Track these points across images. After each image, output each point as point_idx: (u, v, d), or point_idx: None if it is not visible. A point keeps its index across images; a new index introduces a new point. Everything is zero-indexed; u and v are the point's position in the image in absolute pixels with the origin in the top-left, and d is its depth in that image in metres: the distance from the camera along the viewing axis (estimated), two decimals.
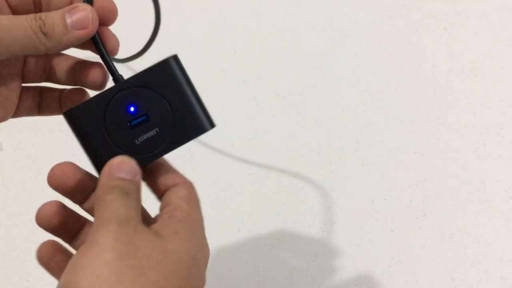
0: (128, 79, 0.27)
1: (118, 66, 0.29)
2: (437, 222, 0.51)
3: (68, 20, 0.25)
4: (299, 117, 0.58)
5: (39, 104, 0.30)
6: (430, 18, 0.63)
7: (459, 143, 0.55)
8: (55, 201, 0.29)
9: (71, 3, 0.26)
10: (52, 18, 0.25)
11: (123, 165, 0.25)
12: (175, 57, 0.29)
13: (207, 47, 0.64)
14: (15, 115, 0.29)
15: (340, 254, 0.50)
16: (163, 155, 0.27)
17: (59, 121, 0.58)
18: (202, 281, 0.26)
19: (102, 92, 0.26)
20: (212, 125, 0.28)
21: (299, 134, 0.57)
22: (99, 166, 0.26)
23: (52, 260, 0.29)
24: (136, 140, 0.26)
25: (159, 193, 0.28)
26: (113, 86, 0.26)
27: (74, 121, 0.26)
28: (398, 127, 0.56)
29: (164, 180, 0.27)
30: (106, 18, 0.27)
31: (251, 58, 0.63)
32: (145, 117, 0.26)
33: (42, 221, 0.29)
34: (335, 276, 0.49)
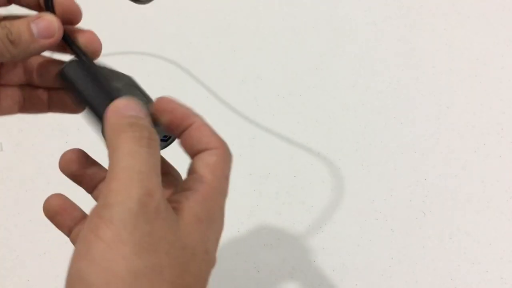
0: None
1: None
2: (437, 222, 0.51)
3: (34, 30, 0.25)
4: (299, 117, 0.58)
5: (20, 102, 0.28)
6: (430, 18, 0.63)
7: (459, 143, 0.55)
8: (77, 148, 0.28)
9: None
10: (18, 26, 0.25)
11: (130, 103, 0.23)
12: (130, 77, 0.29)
13: (207, 47, 0.64)
14: None
15: (340, 254, 0.50)
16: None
17: (59, 121, 0.58)
18: (210, 264, 0.24)
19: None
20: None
21: (299, 134, 0.57)
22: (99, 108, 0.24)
23: (60, 214, 0.28)
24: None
25: (190, 154, 0.25)
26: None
27: (71, 75, 0.26)
28: (398, 127, 0.56)
29: (197, 143, 0.24)
30: (71, 18, 0.27)
31: (251, 58, 0.63)
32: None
33: (64, 168, 0.28)
34: (335, 276, 0.49)
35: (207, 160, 0.24)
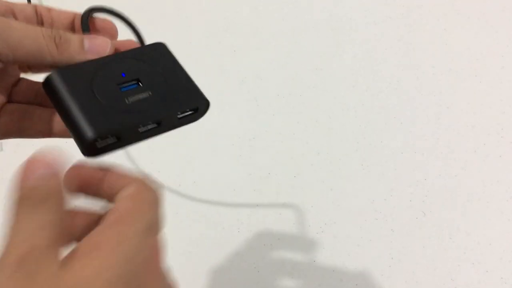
0: (121, 52, 0.26)
1: None
2: (437, 222, 0.51)
3: (86, 44, 0.24)
4: (299, 117, 0.58)
5: (20, 121, 0.27)
6: (430, 18, 0.63)
7: (459, 143, 0.55)
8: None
9: (73, 23, 0.26)
10: (70, 35, 0.24)
11: (36, 163, 0.20)
12: (163, 44, 0.28)
13: (207, 47, 0.64)
14: None
15: (340, 254, 0.50)
16: (156, 119, 0.24)
17: None
18: None
19: (89, 60, 0.24)
20: (205, 98, 0.26)
21: (299, 134, 0.57)
22: (82, 134, 0.22)
23: None
24: (126, 100, 0.23)
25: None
26: (105, 56, 0.25)
27: (52, 85, 0.23)
28: (398, 127, 0.56)
29: (114, 186, 0.22)
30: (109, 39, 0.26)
31: (251, 58, 0.63)
32: (136, 84, 0.24)
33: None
34: (335, 276, 0.49)
35: (124, 192, 0.22)
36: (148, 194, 0.22)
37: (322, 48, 0.62)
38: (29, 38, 0.22)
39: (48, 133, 0.27)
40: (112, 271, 0.18)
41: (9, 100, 0.27)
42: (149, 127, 0.24)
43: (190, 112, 0.26)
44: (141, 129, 0.24)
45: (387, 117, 0.57)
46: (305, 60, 0.62)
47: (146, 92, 0.24)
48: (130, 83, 0.24)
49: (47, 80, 0.23)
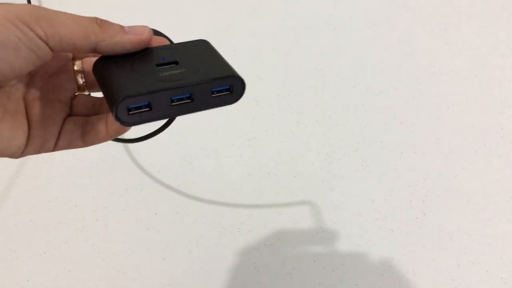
0: (166, 45, 0.28)
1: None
2: (437, 222, 0.51)
3: (126, 28, 0.26)
4: (299, 117, 0.58)
5: (83, 130, 0.29)
6: (430, 18, 0.63)
7: (459, 143, 0.55)
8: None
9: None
10: (109, 21, 0.26)
11: None
12: (206, 41, 0.30)
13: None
14: (57, 144, 0.29)
15: (340, 254, 0.50)
16: (187, 88, 0.25)
17: None
18: None
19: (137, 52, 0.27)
20: (237, 75, 0.26)
21: (299, 134, 0.57)
22: (116, 96, 0.24)
23: None
24: (160, 73, 0.25)
25: None
26: (150, 47, 0.27)
27: (100, 66, 0.26)
28: (398, 127, 0.56)
29: None
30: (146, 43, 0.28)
31: (251, 58, 0.63)
32: (173, 64, 0.26)
33: None
34: (335, 276, 0.49)
35: None
36: None
37: (322, 48, 0.62)
38: (74, 21, 0.24)
39: (105, 135, 0.29)
40: None
41: (70, 113, 0.29)
42: (182, 99, 0.25)
43: (224, 92, 0.26)
44: (174, 102, 0.25)
45: (387, 117, 0.57)
46: (305, 60, 0.62)
47: (181, 69, 0.25)
48: (167, 63, 0.26)
49: (96, 62, 0.26)
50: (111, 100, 0.24)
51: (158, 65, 0.26)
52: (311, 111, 0.58)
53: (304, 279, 0.49)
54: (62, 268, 0.51)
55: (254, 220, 0.52)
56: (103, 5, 0.69)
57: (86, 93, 0.30)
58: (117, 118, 0.24)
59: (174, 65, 0.26)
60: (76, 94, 0.30)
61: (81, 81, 0.30)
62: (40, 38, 0.23)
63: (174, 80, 0.24)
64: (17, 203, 0.55)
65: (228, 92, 0.27)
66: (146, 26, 0.27)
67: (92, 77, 0.28)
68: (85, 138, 0.29)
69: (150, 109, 0.24)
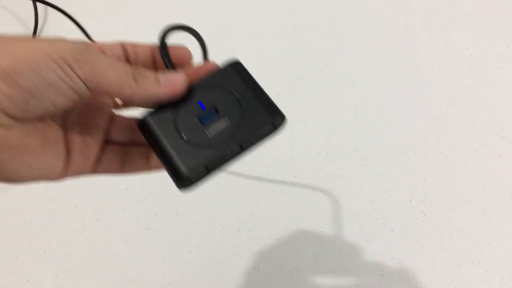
0: (196, 82, 0.28)
1: None
2: (437, 222, 0.51)
3: (161, 79, 0.27)
4: (299, 117, 0.58)
5: (122, 160, 0.30)
6: (430, 18, 0.63)
7: (459, 143, 0.55)
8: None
9: (152, 54, 0.29)
10: (146, 71, 0.27)
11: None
12: (238, 62, 0.29)
13: (207, 47, 0.64)
14: (95, 169, 0.29)
15: (340, 254, 0.50)
16: (236, 145, 0.26)
17: None
18: None
19: (175, 100, 0.27)
20: (282, 115, 0.27)
21: (299, 134, 0.57)
22: (175, 169, 0.26)
23: None
24: (207, 133, 0.26)
25: None
26: (185, 91, 0.27)
27: (150, 128, 0.27)
28: (398, 127, 0.56)
29: None
30: (183, 62, 0.29)
31: (251, 58, 0.63)
32: (215, 112, 0.27)
33: None
34: (335, 276, 0.49)
35: None
36: None
37: (322, 48, 0.62)
38: (112, 70, 0.25)
39: (146, 168, 0.30)
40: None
41: (109, 139, 0.30)
42: (233, 152, 0.26)
43: (269, 131, 0.28)
44: (226, 156, 0.26)
45: (387, 117, 0.57)
46: (305, 60, 0.62)
47: (224, 121, 0.26)
48: (208, 114, 0.27)
49: (141, 123, 0.27)
50: (171, 173, 0.26)
51: (200, 119, 0.27)
52: (311, 111, 0.58)
53: (304, 279, 0.49)
54: (62, 268, 0.51)
55: (254, 220, 0.52)
56: (103, 5, 0.69)
57: (123, 111, 0.31)
58: (180, 188, 0.26)
59: (215, 114, 0.27)
60: (113, 115, 0.30)
61: (118, 101, 0.31)
62: (80, 79, 0.24)
63: (224, 141, 0.26)
64: (17, 203, 0.55)
65: (273, 130, 0.28)
66: (180, 75, 0.27)
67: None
68: (124, 169, 0.30)
69: (208, 170, 0.26)
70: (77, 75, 0.24)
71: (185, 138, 0.26)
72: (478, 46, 0.60)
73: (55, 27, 0.67)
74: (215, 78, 0.28)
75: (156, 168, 0.30)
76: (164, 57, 0.28)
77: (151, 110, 0.28)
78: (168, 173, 0.27)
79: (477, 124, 0.55)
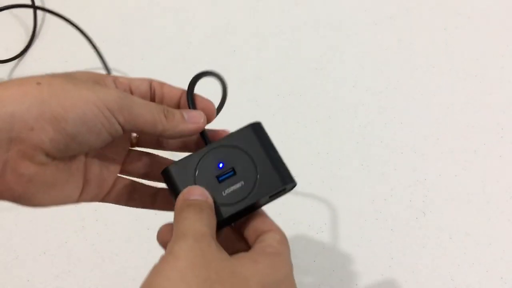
0: (217, 141, 0.30)
1: None
2: (437, 222, 0.51)
3: (185, 116, 0.30)
4: (299, 117, 0.58)
5: (130, 194, 0.33)
6: (430, 18, 0.63)
7: (459, 143, 0.55)
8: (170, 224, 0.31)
9: (180, 97, 0.32)
10: (173, 109, 0.30)
11: (195, 190, 0.28)
12: (258, 123, 0.31)
13: (207, 47, 0.64)
14: (104, 198, 0.32)
15: (340, 254, 0.50)
16: (245, 206, 0.29)
17: None
18: None
19: (194, 153, 0.30)
20: (292, 180, 0.30)
21: (299, 134, 0.57)
22: None
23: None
24: (223, 192, 0.29)
25: (252, 238, 0.29)
26: (204, 148, 0.30)
27: (171, 178, 0.29)
28: (398, 127, 0.56)
29: (259, 225, 0.29)
30: (207, 116, 0.32)
31: (251, 58, 0.63)
32: (231, 172, 0.29)
33: (162, 241, 0.32)
34: (335, 276, 0.49)
35: (274, 236, 0.29)
36: (288, 246, 0.30)
37: (322, 48, 0.62)
38: (148, 111, 0.28)
39: (151, 207, 0.33)
40: (267, 278, 0.26)
41: (122, 172, 0.33)
42: (242, 211, 0.29)
43: (280, 193, 0.30)
44: (235, 215, 0.29)
45: (387, 117, 0.57)
46: (305, 60, 0.62)
47: (240, 182, 0.29)
48: (226, 173, 0.29)
49: (164, 171, 0.30)
50: None
51: (217, 177, 0.29)
52: (311, 111, 0.58)
53: (304, 279, 0.49)
54: (62, 268, 0.51)
55: None
56: (103, 4, 0.69)
57: (138, 148, 0.34)
58: None
59: (232, 173, 0.29)
60: (129, 151, 0.33)
61: (134, 140, 0.33)
62: (119, 124, 0.27)
63: (237, 200, 0.28)
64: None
65: (283, 193, 0.31)
66: (201, 114, 0.31)
67: (143, 136, 0.33)
68: (130, 203, 0.33)
69: (221, 223, 0.29)
70: (118, 121, 0.26)
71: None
72: (478, 46, 0.60)
73: (54, 31, 0.67)
74: (236, 138, 0.30)
75: (160, 208, 0.33)
76: (189, 98, 0.31)
77: (175, 161, 0.31)
78: None
79: (477, 124, 0.55)
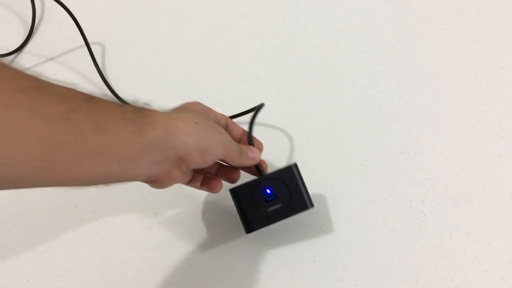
0: (268, 174, 0.45)
1: None
2: (437, 222, 0.51)
3: (249, 152, 0.44)
4: (299, 117, 0.58)
5: (202, 183, 0.46)
6: (430, 18, 0.63)
7: (459, 143, 0.55)
8: None
9: (243, 134, 0.47)
10: (242, 148, 0.43)
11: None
12: (295, 164, 0.46)
13: (207, 47, 0.64)
14: (188, 184, 0.45)
15: (340, 254, 0.50)
16: (280, 220, 0.45)
17: None
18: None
19: (253, 180, 0.45)
20: (312, 205, 0.45)
21: (299, 134, 0.57)
22: (249, 226, 0.45)
23: None
24: (268, 209, 0.45)
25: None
26: (259, 178, 0.46)
27: (237, 195, 0.45)
28: (398, 127, 0.56)
29: None
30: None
31: (251, 58, 0.63)
32: (274, 197, 0.45)
33: None
34: (335, 276, 0.49)
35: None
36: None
37: (322, 48, 0.62)
38: (236, 150, 0.41)
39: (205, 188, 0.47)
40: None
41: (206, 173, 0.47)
42: (278, 221, 0.45)
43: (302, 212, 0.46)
44: (274, 223, 0.45)
45: (387, 117, 0.57)
46: (305, 60, 0.62)
47: (278, 204, 0.45)
48: (271, 197, 0.45)
49: (232, 190, 0.46)
50: (244, 224, 0.46)
51: (265, 199, 0.45)
52: (311, 111, 0.58)
53: (304, 279, 0.49)
54: (62, 268, 0.51)
55: None
56: (103, 4, 0.69)
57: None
58: (246, 233, 0.46)
59: (274, 198, 0.45)
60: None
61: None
62: (223, 156, 0.40)
63: (276, 215, 0.45)
64: (17, 203, 0.55)
65: (304, 211, 0.45)
66: (258, 152, 0.45)
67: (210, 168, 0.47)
68: (201, 187, 0.46)
69: (262, 227, 0.46)
70: (223, 155, 0.39)
71: (253, 207, 0.45)
72: (478, 46, 0.60)
73: (52, 21, 0.67)
74: (280, 173, 0.45)
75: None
76: (250, 137, 0.47)
77: (240, 183, 0.46)
78: (242, 223, 0.46)
79: (477, 124, 0.55)
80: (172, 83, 0.61)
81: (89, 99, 0.29)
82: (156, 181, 0.37)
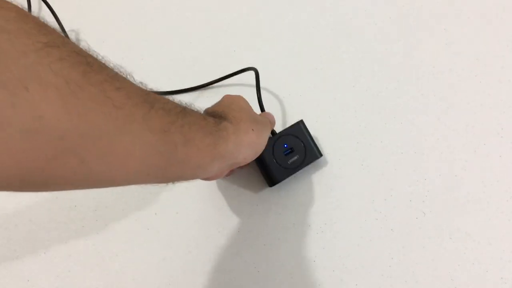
0: (279, 132, 0.51)
1: None
2: (437, 222, 0.51)
3: (273, 120, 0.50)
4: (299, 117, 0.58)
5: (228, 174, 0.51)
6: (430, 18, 0.63)
7: (459, 143, 0.55)
8: None
9: None
10: (269, 120, 0.48)
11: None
12: (302, 121, 0.52)
13: (207, 47, 0.64)
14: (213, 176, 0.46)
15: (340, 254, 0.50)
16: (298, 170, 0.51)
17: None
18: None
19: (269, 138, 0.48)
20: (321, 154, 0.52)
21: None
22: (272, 178, 0.50)
23: None
24: (288, 161, 0.50)
25: None
26: (274, 136, 0.51)
27: (261, 153, 0.47)
28: (398, 127, 0.56)
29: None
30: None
31: (251, 58, 0.63)
32: (291, 150, 0.50)
33: None
34: (335, 276, 0.49)
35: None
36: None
37: (322, 48, 0.62)
38: (270, 130, 0.47)
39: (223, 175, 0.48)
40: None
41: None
42: (297, 170, 0.51)
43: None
44: (294, 173, 0.51)
45: (387, 117, 0.57)
46: (305, 60, 0.62)
47: (296, 155, 0.50)
48: (288, 150, 0.50)
49: None
50: (267, 179, 0.51)
51: (284, 153, 0.50)
52: (311, 111, 0.58)
53: (304, 279, 0.49)
54: (62, 268, 0.51)
55: (254, 220, 0.52)
56: (103, 4, 0.69)
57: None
58: (270, 186, 0.51)
59: (292, 151, 0.50)
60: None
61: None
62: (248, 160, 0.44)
63: (295, 166, 0.50)
64: (17, 203, 0.55)
65: (317, 159, 0.51)
66: (270, 114, 0.51)
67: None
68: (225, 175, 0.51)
69: (284, 179, 0.50)
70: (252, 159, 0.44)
71: (276, 161, 0.49)
72: (478, 46, 0.60)
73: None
74: (292, 129, 0.51)
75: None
76: (260, 103, 0.53)
77: None
78: (264, 177, 0.51)
79: (477, 124, 0.55)
80: (172, 83, 0.61)
81: (182, 112, 0.33)
82: (209, 178, 0.44)
